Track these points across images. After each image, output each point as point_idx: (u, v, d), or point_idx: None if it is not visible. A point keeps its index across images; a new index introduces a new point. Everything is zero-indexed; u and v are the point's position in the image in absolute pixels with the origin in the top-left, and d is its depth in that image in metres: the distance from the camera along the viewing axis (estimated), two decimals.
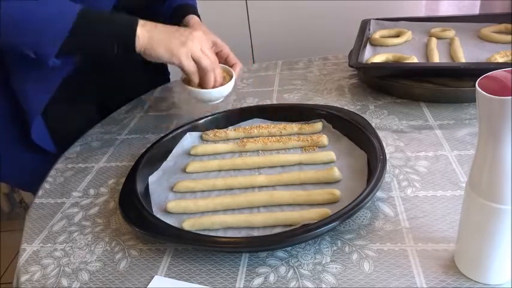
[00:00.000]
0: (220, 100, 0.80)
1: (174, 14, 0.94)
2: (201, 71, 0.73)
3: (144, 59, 1.01)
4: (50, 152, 0.86)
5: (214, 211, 0.60)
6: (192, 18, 0.92)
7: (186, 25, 0.91)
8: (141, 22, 0.69)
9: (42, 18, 0.64)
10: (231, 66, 0.85)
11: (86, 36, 0.67)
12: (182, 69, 0.72)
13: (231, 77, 0.81)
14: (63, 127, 0.88)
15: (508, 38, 0.94)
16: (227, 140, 0.78)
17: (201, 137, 0.80)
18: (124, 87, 0.99)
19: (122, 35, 0.68)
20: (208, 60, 0.72)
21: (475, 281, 0.45)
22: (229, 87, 0.79)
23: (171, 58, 0.70)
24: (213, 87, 0.77)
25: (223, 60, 0.85)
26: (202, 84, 0.76)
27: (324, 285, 0.47)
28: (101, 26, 0.68)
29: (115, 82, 0.94)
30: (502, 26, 1.00)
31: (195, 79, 0.73)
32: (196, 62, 0.71)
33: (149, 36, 0.69)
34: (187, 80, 0.79)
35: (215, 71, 0.75)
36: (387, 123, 0.77)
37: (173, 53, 0.69)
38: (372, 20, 1.12)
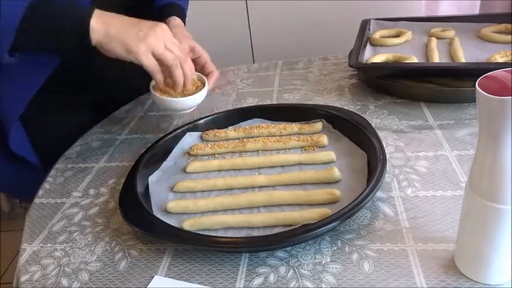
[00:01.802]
0: (191, 109, 0.76)
1: (159, 15, 0.91)
2: (166, 68, 0.66)
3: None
4: (31, 163, 0.82)
5: (214, 211, 0.60)
6: (173, 20, 0.87)
7: None
8: (97, 13, 0.63)
9: None
10: (207, 74, 0.82)
11: (36, 30, 0.62)
12: (143, 67, 0.66)
13: (204, 84, 0.77)
14: (46, 135, 0.85)
15: (508, 38, 0.94)
16: (227, 140, 0.78)
17: (201, 137, 0.80)
18: (124, 88, 0.99)
19: (74, 28, 0.62)
20: (172, 55, 0.65)
21: (475, 281, 0.45)
22: (201, 95, 0.75)
23: (129, 55, 0.64)
24: (184, 93, 0.71)
25: (200, 67, 0.83)
26: (173, 87, 0.70)
27: (324, 285, 0.47)
28: (51, 18, 0.62)
29: (114, 82, 0.94)
30: (502, 26, 1.00)
31: (159, 78, 0.67)
32: (159, 59, 0.65)
33: (105, 29, 0.63)
34: (158, 87, 0.74)
35: (183, 66, 0.67)
36: (387, 123, 0.77)
37: (131, 49, 0.63)
38: (372, 20, 1.12)
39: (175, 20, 0.88)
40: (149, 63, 0.65)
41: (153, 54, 0.64)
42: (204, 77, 0.80)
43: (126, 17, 0.66)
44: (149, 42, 0.63)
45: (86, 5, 0.64)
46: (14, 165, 0.83)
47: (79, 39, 0.63)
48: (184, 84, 0.70)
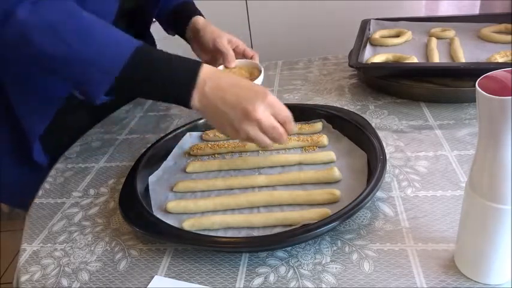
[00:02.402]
0: None
1: (175, 16, 0.93)
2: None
3: None
4: (43, 167, 0.82)
5: (214, 211, 0.60)
6: (199, 20, 0.90)
7: (194, 29, 0.91)
8: (199, 83, 0.59)
9: (92, 57, 0.57)
10: (250, 58, 0.88)
11: (136, 83, 0.60)
12: None
13: (260, 71, 0.83)
14: (60, 135, 0.85)
15: (508, 38, 0.94)
16: (227, 140, 0.78)
17: (201, 137, 0.80)
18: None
19: (175, 98, 0.61)
20: (265, 139, 0.60)
21: (475, 281, 0.45)
22: (259, 81, 0.80)
23: (225, 134, 0.63)
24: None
25: (240, 54, 0.89)
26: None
27: (324, 285, 0.47)
28: (151, 78, 0.59)
29: None
30: (502, 26, 1.00)
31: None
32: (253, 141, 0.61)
33: (203, 108, 0.60)
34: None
35: (279, 141, 0.62)
36: (387, 123, 0.77)
37: (226, 133, 0.61)
38: (371, 20, 1.12)
39: (201, 20, 0.91)
40: (245, 141, 0.63)
41: (248, 139, 0.61)
42: (259, 65, 0.85)
43: (228, 86, 0.60)
44: (242, 132, 0.59)
45: (190, 71, 0.60)
46: (22, 171, 0.83)
47: (179, 104, 0.62)
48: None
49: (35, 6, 0.56)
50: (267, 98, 0.59)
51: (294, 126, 0.64)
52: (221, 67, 0.88)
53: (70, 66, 0.58)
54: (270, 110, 0.59)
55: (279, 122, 0.60)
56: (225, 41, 0.87)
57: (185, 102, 0.60)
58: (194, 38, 0.92)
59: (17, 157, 0.81)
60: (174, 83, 0.60)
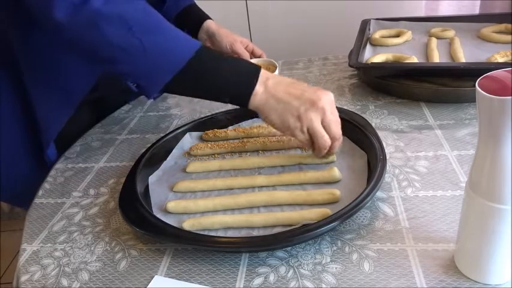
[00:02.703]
0: None
1: (185, 18, 0.97)
2: (316, 145, 0.63)
3: None
4: (48, 167, 0.82)
5: (214, 211, 0.60)
6: (210, 25, 0.97)
7: (209, 33, 0.97)
8: (262, 77, 0.61)
9: (157, 54, 0.59)
10: (259, 55, 0.99)
11: (195, 80, 0.62)
12: None
13: (275, 66, 0.91)
14: (61, 133, 0.84)
15: (508, 38, 0.94)
16: (227, 140, 0.78)
17: (201, 137, 0.80)
18: (123, 88, 0.99)
19: (235, 91, 0.62)
20: (324, 137, 0.61)
21: (475, 281, 0.45)
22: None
23: (283, 129, 0.62)
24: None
25: (250, 53, 0.98)
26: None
27: (324, 285, 0.47)
28: (213, 75, 0.62)
29: (114, 83, 0.94)
30: (502, 26, 1.00)
31: (307, 147, 0.65)
32: (312, 136, 0.62)
33: (266, 98, 0.61)
34: None
35: (333, 143, 0.63)
36: (387, 123, 0.77)
37: (288, 126, 0.61)
38: (371, 20, 1.12)
39: (213, 24, 0.98)
40: (303, 139, 0.62)
41: (308, 129, 0.61)
42: (274, 62, 0.93)
43: (290, 83, 0.62)
44: (306, 121, 0.60)
45: (251, 68, 0.63)
46: (27, 171, 0.83)
47: (236, 101, 0.63)
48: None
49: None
50: (328, 91, 0.62)
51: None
52: None
53: (134, 57, 0.59)
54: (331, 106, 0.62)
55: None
56: (239, 43, 0.96)
57: (245, 97, 0.61)
58: (209, 41, 0.99)
59: (29, 158, 0.81)
60: (239, 76, 0.62)
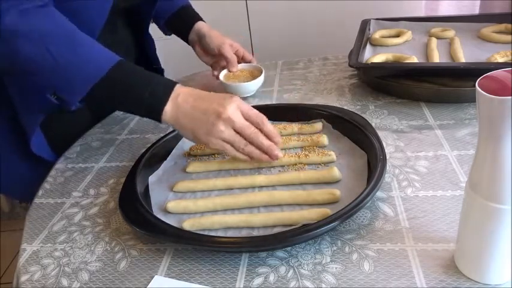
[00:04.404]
0: (252, 93, 0.93)
1: (178, 19, 0.98)
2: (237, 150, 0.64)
3: (138, 58, 1.02)
4: (48, 161, 0.83)
5: (214, 211, 0.60)
6: (202, 26, 0.97)
7: (199, 34, 0.97)
8: (173, 96, 0.63)
9: (73, 66, 0.61)
10: (249, 61, 0.99)
11: (112, 93, 0.64)
12: None
13: (260, 71, 0.94)
14: (60, 133, 0.86)
15: (508, 38, 0.94)
16: None
17: None
18: None
19: (149, 106, 0.63)
20: (240, 141, 0.63)
21: (475, 281, 0.45)
22: (260, 80, 0.92)
23: (199, 143, 0.67)
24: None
25: (240, 58, 0.98)
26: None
27: (324, 285, 0.47)
28: (128, 90, 0.63)
29: None
30: (502, 26, 1.00)
31: (233, 155, 0.65)
32: (229, 144, 0.63)
33: (176, 116, 0.63)
34: (227, 75, 0.94)
35: (255, 142, 0.64)
36: (387, 123, 0.77)
37: (200, 140, 0.64)
38: (371, 20, 1.12)
39: (204, 26, 0.98)
40: (222, 148, 0.63)
41: (223, 141, 0.63)
42: (260, 66, 0.96)
43: (198, 98, 0.63)
44: (215, 134, 0.62)
45: (166, 84, 0.64)
46: (24, 164, 0.84)
47: (150, 117, 0.65)
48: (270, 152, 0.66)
49: (22, 13, 0.58)
50: (234, 98, 0.63)
51: (272, 127, 0.66)
52: (225, 71, 0.96)
53: (52, 72, 0.61)
54: (240, 112, 0.63)
55: (253, 124, 0.64)
56: (228, 47, 0.95)
57: (157, 113, 0.63)
58: (199, 42, 0.99)
59: (19, 149, 0.81)
60: (151, 94, 0.63)
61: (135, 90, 0.63)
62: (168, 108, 0.63)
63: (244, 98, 0.92)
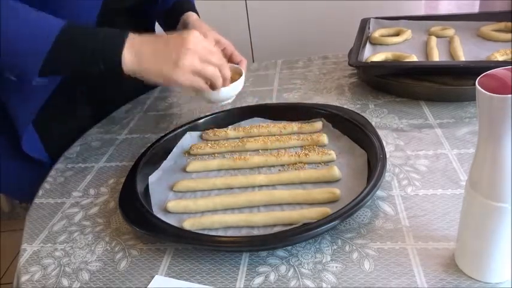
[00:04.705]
0: (231, 99, 0.78)
1: (171, 13, 0.93)
2: (208, 80, 0.65)
3: None
4: (43, 162, 0.84)
5: (215, 210, 0.60)
6: (190, 16, 0.89)
7: (184, 23, 0.89)
8: (128, 42, 0.61)
9: (21, 39, 0.59)
10: (237, 63, 0.83)
11: (67, 56, 0.62)
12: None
13: (240, 75, 0.78)
14: (55, 134, 0.85)
15: (508, 36, 0.94)
16: (227, 139, 0.78)
17: (201, 137, 0.80)
18: (122, 88, 0.99)
19: (105, 58, 0.62)
20: (211, 68, 0.63)
21: (475, 280, 0.45)
22: (239, 85, 0.77)
23: (168, 83, 0.63)
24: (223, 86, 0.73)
25: (227, 58, 0.84)
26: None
27: (324, 284, 0.47)
28: (83, 46, 0.61)
29: (112, 83, 0.94)
30: (502, 24, 1.00)
31: (204, 88, 0.65)
32: (200, 75, 0.63)
33: (138, 61, 0.61)
34: None
35: (223, 71, 0.66)
36: (387, 122, 0.77)
37: (169, 78, 0.62)
38: (371, 19, 1.11)
39: (193, 16, 0.90)
40: (191, 83, 0.63)
41: (192, 72, 0.62)
42: (241, 68, 0.81)
43: (156, 38, 0.63)
44: (184, 64, 0.61)
45: (118, 33, 0.63)
46: (21, 164, 0.84)
47: (111, 69, 0.62)
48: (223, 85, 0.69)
49: None
50: (192, 31, 0.63)
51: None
52: None
53: (3, 49, 0.59)
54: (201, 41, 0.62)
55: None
56: (211, 40, 0.82)
57: (117, 62, 0.61)
58: None
59: (16, 150, 0.81)
60: (105, 43, 0.61)
61: (88, 46, 0.61)
62: (127, 54, 0.61)
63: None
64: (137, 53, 0.61)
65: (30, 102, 0.77)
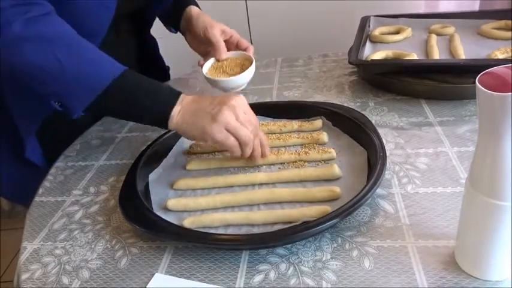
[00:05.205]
0: (243, 86, 0.82)
1: (173, 8, 0.93)
2: (240, 142, 0.63)
3: (140, 58, 1.01)
4: (40, 166, 0.83)
5: (215, 209, 0.60)
6: (193, 9, 0.90)
7: (187, 17, 0.90)
8: (178, 103, 0.63)
9: (77, 76, 0.61)
10: (244, 50, 0.87)
11: (116, 104, 0.64)
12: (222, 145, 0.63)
13: (250, 61, 0.82)
14: (55, 138, 0.85)
15: (508, 34, 0.94)
16: None
17: None
18: None
19: (153, 118, 0.64)
20: (245, 131, 0.61)
21: (475, 278, 0.45)
22: (250, 73, 0.80)
23: (204, 137, 0.62)
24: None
25: (234, 46, 0.88)
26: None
27: (324, 282, 0.47)
28: (133, 99, 0.63)
29: None
30: (502, 23, 1.00)
31: (237, 152, 0.63)
32: (233, 135, 0.61)
33: (181, 118, 0.62)
34: (211, 69, 0.82)
35: (255, 140, 0.64)
36: (387, 120, 0.77)
37: (205, 131, 0.61)
38: (371, 17, 1.11)
39: (195, 9, 0.90)
40: (225, 140, 0.61)
41: (227, 130, 0.61)
42: (251, 56, 0.83)
43: (203, 98, 0.64)
44: (221, 119, 0.60)
45: (169, 92, 0.64)
46: (20, 168, 0.83)
47: (156, 122, 0.65)
48: (262, 154, 0.67)
49: (28, 22, 0.59)
50: (240, 96, 0.63)
51: (265, 136, 0.67)
52: (212, 59, 0.86)
53: (53, 77, 0.61)
54: (242, 108, 0.63)
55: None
56: (217, 31, 0.85)
57: (164, 123, 0.63)
58: (187, 28, 0.91)
59: (15, 153, 0.81)
60: (157, 103, 0.63)
61: (139, 104, 0.63)
62: (174, 115, 0.62)
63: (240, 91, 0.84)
64: (183, 112, 0.63)
65: (38, 115, 0.77)
